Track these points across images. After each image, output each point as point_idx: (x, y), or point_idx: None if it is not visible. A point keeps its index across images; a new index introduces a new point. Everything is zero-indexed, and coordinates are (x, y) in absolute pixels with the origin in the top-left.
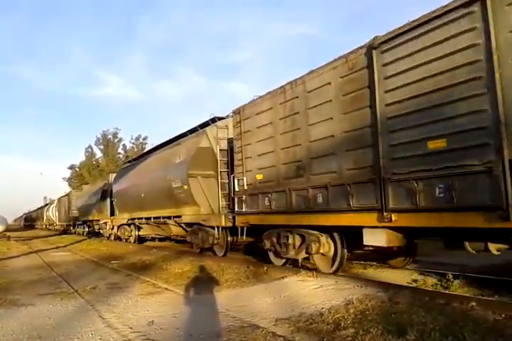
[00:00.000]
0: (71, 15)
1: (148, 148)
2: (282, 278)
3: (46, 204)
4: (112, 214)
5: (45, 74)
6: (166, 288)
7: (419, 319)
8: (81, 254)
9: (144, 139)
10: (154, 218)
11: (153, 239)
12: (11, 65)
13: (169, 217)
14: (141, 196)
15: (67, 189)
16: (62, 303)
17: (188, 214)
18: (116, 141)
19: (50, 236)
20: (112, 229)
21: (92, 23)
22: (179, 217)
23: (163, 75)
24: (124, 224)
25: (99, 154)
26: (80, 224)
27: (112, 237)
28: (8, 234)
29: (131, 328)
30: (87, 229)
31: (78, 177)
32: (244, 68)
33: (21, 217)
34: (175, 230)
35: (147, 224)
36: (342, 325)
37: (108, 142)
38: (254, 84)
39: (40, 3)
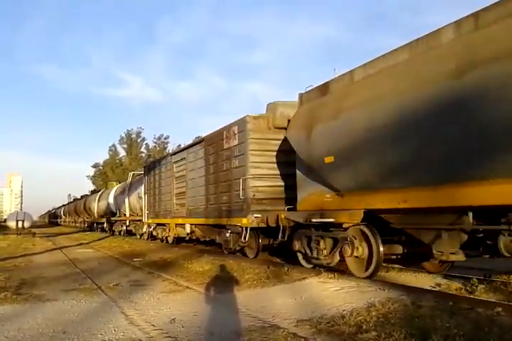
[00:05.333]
0: (93, 18)
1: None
2: (303, 279)
3: (95, 191)
4: None
5: (68, 75)
6: (188, 287)
7: (443, 323)
8: (104, 251)
9: (166, 138)
10: None
11: None
12: (34, 67)
13: None
14: None
15: (91, 187)
16: (86, 299)
17: None
18: (139, 140)
19: (74, 233)
20: None
21: (114, 25)
22: None
23: (183, 76)
24: None
25: (122, 153)
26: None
27: None
28: (33, 230)
29: (153, 325)
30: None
31: (102, 175)
32: (264, 69)
33: (46, 213)
34: None
35: None
36: (364, 327)
37: (132, 141)
38: (272, 84)
39: (63, 5)
